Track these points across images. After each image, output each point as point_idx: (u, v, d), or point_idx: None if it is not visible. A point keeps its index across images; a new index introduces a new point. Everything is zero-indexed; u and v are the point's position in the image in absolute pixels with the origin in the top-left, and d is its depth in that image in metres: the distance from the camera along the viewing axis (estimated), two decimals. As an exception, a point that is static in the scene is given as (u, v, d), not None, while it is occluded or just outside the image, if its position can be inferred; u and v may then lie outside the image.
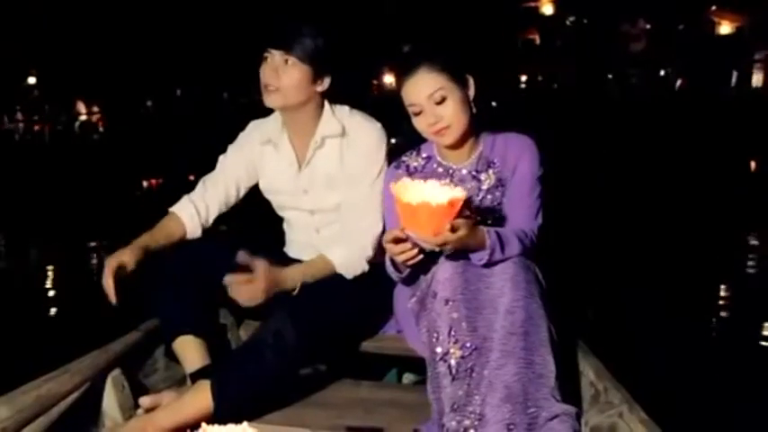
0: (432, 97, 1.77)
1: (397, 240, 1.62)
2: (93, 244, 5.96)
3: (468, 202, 1.83)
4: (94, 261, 5.46)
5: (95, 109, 20.32)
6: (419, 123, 1.81)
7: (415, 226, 1.56)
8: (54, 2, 17.19)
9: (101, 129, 19.30)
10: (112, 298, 1.83)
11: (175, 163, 10.01)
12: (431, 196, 1.53)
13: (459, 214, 1.57)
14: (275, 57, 1.95)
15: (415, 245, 1.61)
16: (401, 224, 1.59)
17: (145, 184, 10.68)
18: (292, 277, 1.91)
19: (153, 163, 11.72)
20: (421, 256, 1.64)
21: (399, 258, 1.66)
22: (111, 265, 1.85)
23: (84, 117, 20.28)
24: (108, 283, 1.83)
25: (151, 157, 12.58)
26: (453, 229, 1.55)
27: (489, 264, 1.67)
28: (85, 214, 7.54)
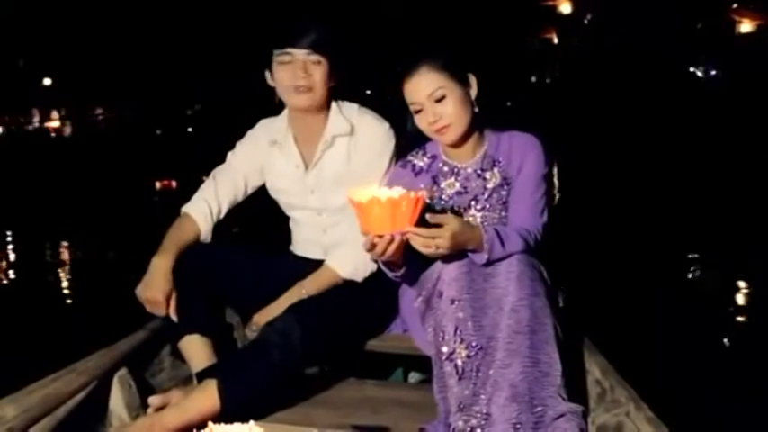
0: (432, 96, 1.77)
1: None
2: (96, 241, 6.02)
3: (459, 211, 1.85)
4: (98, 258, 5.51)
5: (54, 115, 20.50)
6: (420, 122, 1.82)
7: (361, 223, 1.60)
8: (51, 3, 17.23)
9: (53, 135, 19.51)
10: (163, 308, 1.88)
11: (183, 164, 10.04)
12: (362, 196, 1.55)
13: (414, 215, 1.56)
14: (298, 57, 1.93)
15: (374, 243, 1.60)
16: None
17: (158, 185, 10.73)
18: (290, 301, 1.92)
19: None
20: (390, 255, 1.63)
21: (375, 257, 1.66)
22: (158, 281, 1.89)
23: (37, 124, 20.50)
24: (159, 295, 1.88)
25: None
26: (416, 225, 1.56)
27: (491, 261, 1.66)
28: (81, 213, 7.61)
